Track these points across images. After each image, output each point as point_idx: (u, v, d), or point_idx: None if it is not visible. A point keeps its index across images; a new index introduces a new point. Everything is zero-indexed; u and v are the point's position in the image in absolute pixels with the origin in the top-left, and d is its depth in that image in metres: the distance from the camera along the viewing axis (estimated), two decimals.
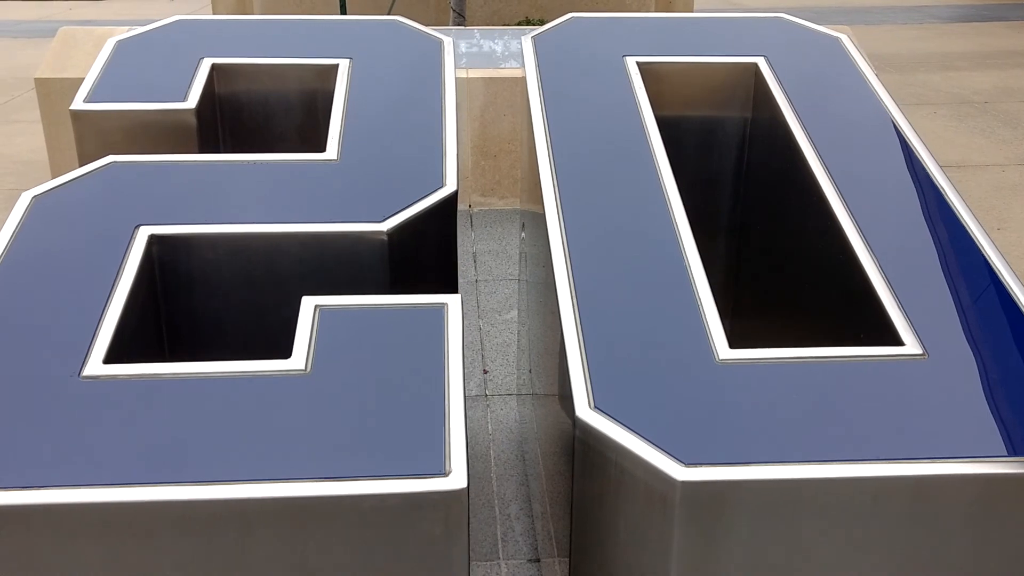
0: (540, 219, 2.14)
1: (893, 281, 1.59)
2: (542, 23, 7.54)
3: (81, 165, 1.98)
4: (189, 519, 1.20)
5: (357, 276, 1.66)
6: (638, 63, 2.13)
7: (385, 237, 1.65)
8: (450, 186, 1.77)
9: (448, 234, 1.78)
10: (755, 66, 2.15)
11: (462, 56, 4.49)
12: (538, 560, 2.13)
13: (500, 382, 2.88)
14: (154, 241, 1.61)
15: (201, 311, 1.68)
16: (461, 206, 4.60)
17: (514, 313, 3.46)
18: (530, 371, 2.43)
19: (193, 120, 1.95)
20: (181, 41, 2.17)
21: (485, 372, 2.94)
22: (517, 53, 4.48)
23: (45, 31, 10.14)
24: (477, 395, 2.81)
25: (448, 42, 2.23)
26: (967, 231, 1.72)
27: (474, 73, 4.35)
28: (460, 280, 3.69)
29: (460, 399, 1.33)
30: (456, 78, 4.43)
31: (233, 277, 1.66)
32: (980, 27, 10.10)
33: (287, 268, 1.66)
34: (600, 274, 1.57)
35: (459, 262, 3.93)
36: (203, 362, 1.38)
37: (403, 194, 1.73)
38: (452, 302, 1.51)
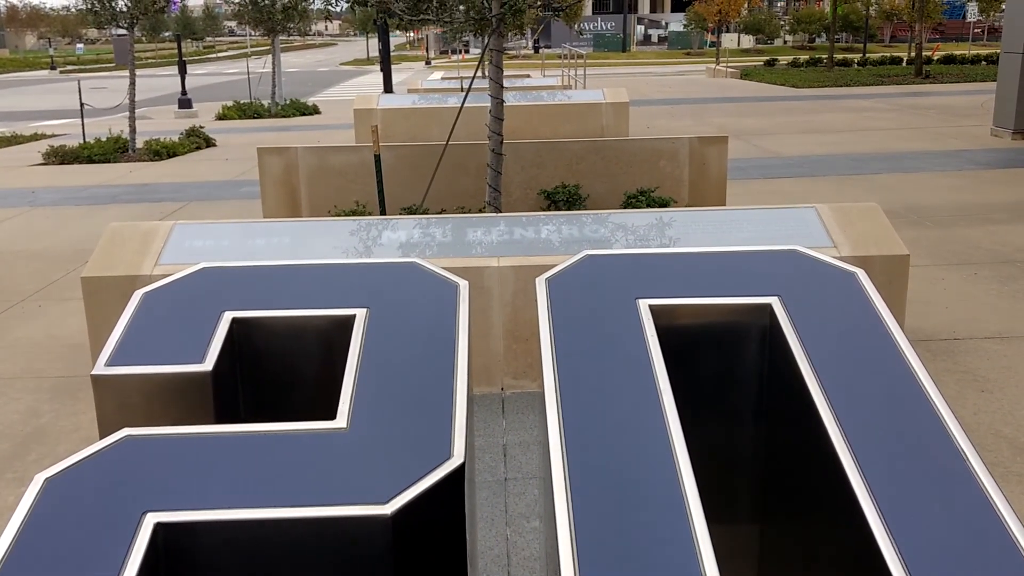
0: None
1: (908, 559, 1.53)
2: (577, 188, 7.72)
3: (100, 426, 2.03)
4: None
5: (360, 561, 1.65)
6: (650, 306, 2.14)
7: (390, 521, 1.63)
8: (457, 458, 1.76)
9: (455, 510, 1.77)
10: (769, 307, 2.15)
11: (494, 244, 4.58)
12: None
13: None
14: (159, 528, 1.62)
15: None
16: (493, 389, 4.61)
17: None
18: None
19: (209, 381, 1.99)
20: (204, 293, 2.24)
21: None
22: (546, 241, 4.56)
23: (105, 197, 10.63)
24: None
25: (464, 286, 2.27)
26: (989, 501, 1.66)
27: (505, 261, 4.43)
28: (488, 478, 3.66)
29: None
30: (488, 266, 4.50)
31: (235, 563, 1.65)
32: (1021, 173, 10.10)
33: (290, 553, 1.65)
34: (601, 528, 1.55)
35: (489, 456, 3.91)
36: None
37: (409, 469, 1.72)
38: None
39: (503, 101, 6.01)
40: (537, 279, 2.29)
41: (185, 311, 2.19)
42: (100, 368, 2.01)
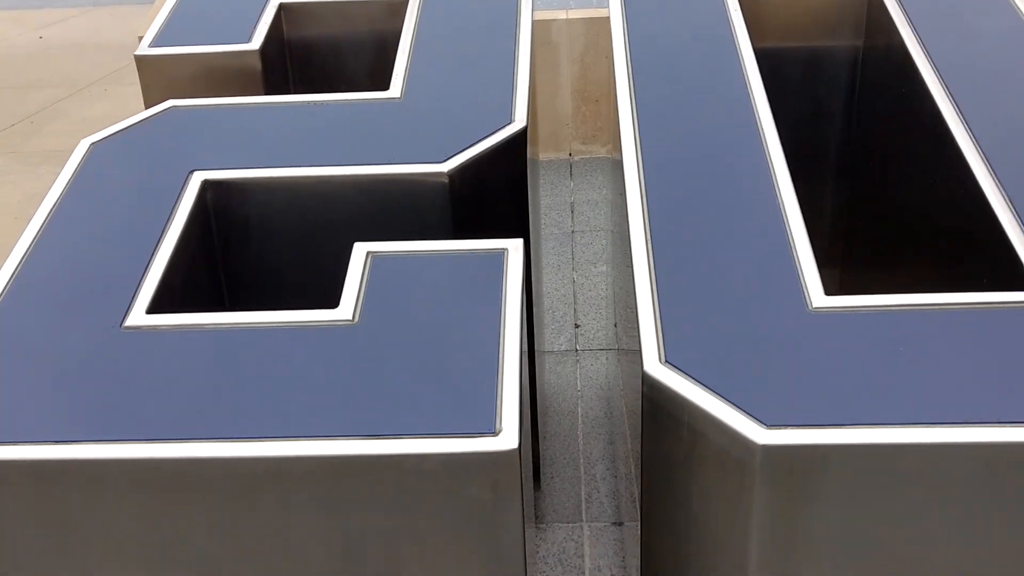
0: (616, 164, 1.99)
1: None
2: None
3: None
4: (224, 478, 1.12)
5: (418, 221, 1.56)
6: None
7: (446, 179, 1.53)
8: (519, 122, 1.63)
9: (517, 175, 1.65)
10: None
11: None
12: (621, 524, 2.01)
13: (592, 337, 2.75)
14: (208, 187, 1.54)
15: (258, 259, 1.61)
16: (561, 154, 4.44)
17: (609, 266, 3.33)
18: (615, 325, 2.29)
19: (258, 62, 1.87)
20: None
21: (577, 326, 2.81)
22: None
23: None
24: (567, 350, 2.69)
25: None
26: None
27: (574, 14, 4.16)
28: (556, 231, 3.57)
29: (516, 353, 1.21)
30: (556, 19, 4.24)
31: (288, 222, 1.58)
32: None
33: (343, 213, 1.57)
34: (679, 216, 1.41)
35: (556, 212, 3.81)
36: (247, 312, 1.30)
37: (468, 132, 1.60)
38: (513, 247, 1.38)
39: None
40: None
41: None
42: (144, 49, 1.90)
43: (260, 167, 1.57)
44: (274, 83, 1.93)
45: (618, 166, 2.05)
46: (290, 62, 2.03)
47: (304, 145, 1.62)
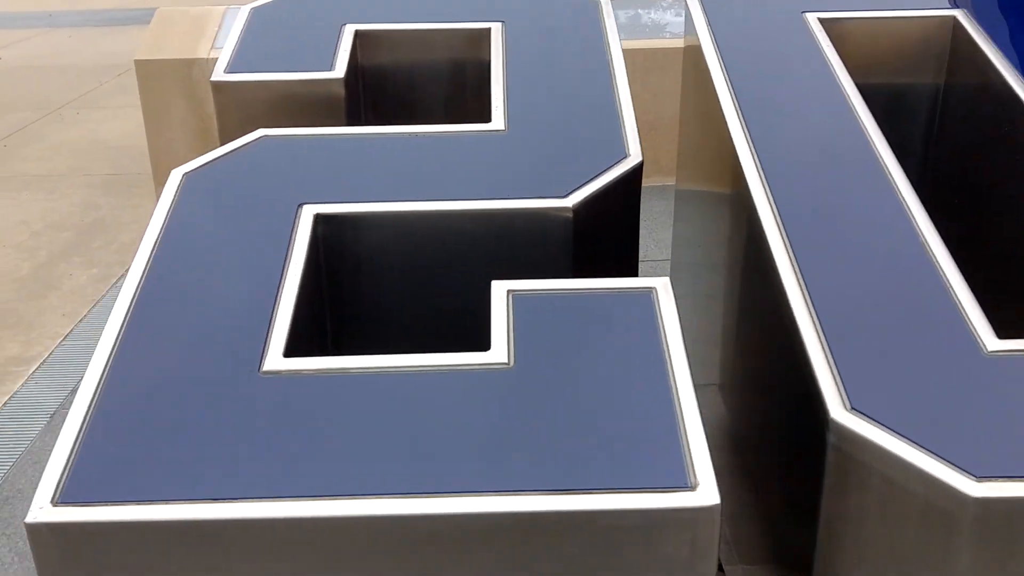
0: (707, 196, 1.95)
1: None
2: None
3: (222, 139, 1.85)
4: (392, 537, 1.04)
5: (537, 257, 1.49)
6: (820, 19, 1.92)
7: (571, 213, 1.47)
8: (635, 156, 1.58)
9: (633, 211, 1.60)
10: (953, 20, 1.92)
11: None
12: (721, 569, 1.94)
13: None
14: (320, 221, 1.46)
15: (367, 295, 1.53)
16: None
17: None
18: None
19: (342, 90, 1.79)
20: (320, 7, 2.01)
21: None
22: (645, 26, 4.25)
23: (131, 19, 10.17)
24: None
25: (607, 2, 2.03)
26: None
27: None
28: None
29: (692, 396, 1.15)
30: None
31: (403, 259, 1.50)
32: None
33: (459, 248, 1.49)
34: (828, 258, 1.38)
35: None
36: (395, 355, 1.22)
37: (585, 167, 1.55)
38: (662, 286, 1.33)
39: None
40: None
41: (302, 24, 1.98)
42: (220, 75, 1.81)
43: (369, 201, 1.49)
44: (352, 113, 1.86)
45: (700, 200, 2.02)
46: (364, 91, 1.96)
47: (412, 178, 1.55)
